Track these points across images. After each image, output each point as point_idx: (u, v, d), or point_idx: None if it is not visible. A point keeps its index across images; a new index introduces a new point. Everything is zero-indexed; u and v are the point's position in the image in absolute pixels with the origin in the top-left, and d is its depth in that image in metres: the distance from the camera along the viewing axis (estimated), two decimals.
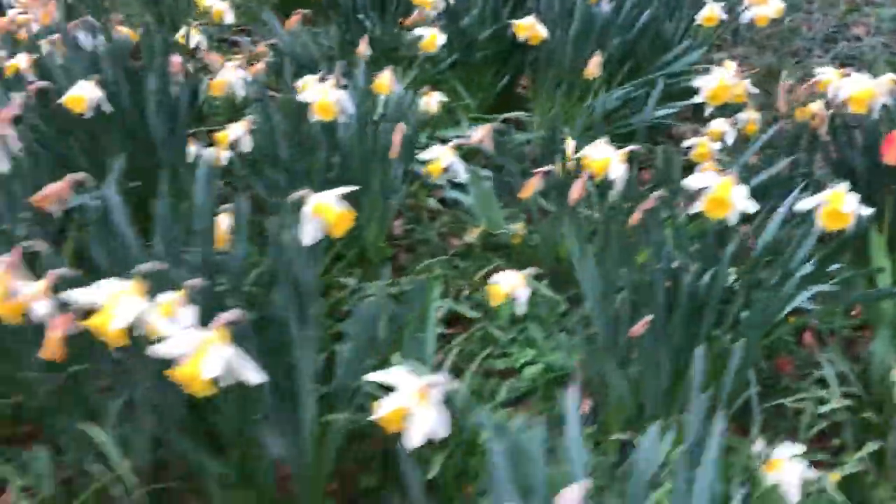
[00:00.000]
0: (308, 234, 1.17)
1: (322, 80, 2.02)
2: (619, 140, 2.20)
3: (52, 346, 1.00)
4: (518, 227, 2.06)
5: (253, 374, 0.96)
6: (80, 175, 1.22)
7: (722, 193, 1.25)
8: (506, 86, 2.81)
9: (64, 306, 1.04)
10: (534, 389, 1.62)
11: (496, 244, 2.07)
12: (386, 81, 1.88)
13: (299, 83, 2.10)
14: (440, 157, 1.64)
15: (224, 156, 2.15)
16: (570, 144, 2.12)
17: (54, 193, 1.20)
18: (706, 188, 1.27)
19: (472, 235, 2.07)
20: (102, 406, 1.36)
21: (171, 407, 1.16)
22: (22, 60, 1.90)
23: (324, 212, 1.16)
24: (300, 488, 1.25)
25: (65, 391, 1.32)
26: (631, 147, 1.54)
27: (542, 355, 1.67)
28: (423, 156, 1.68)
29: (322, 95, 1.55)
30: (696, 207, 1.29)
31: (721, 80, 2.16)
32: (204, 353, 0.91)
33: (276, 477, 1.28)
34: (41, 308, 1.05)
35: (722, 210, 1.26)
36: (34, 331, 1.29)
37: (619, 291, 1.44)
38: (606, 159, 1.48)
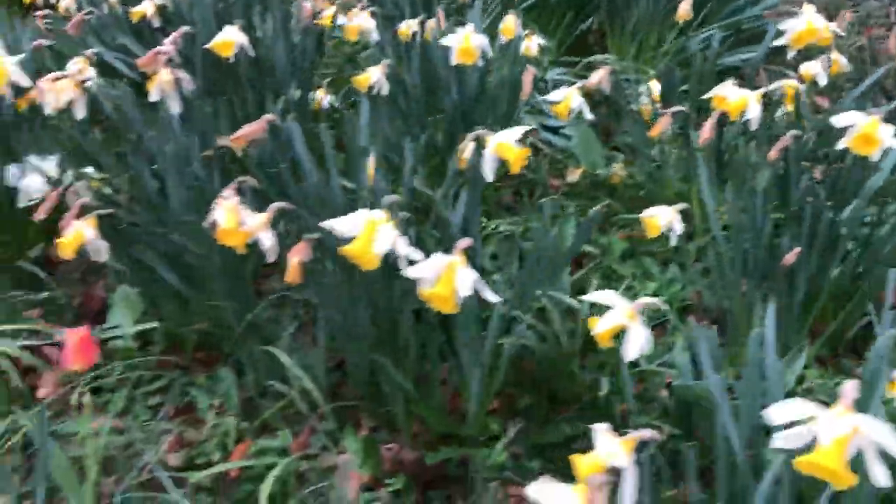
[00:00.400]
0: (489, 169, 1.26)
1: (422, 24, 2.09)
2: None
3: (293, 271, 1.09)
4: (617, 168, 2.15)
5: (491, 295, 1.06)
6: (273, 116, 1.30)
7: (870, 131, 1.33)
8: (581, 29, 2.87)
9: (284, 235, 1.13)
10: (661, 319, 1.71)
11: (596, 183, 2.15)
12: (511, 25, 1.94)
13: (401, 27, 2.18)
14: (570, 98, 1.71)
15: (325, 100, 2.24)
16: (653, 87, 2.20)
17: (252, 132, 1.28)
18: (852, 126, 1.35)
19: (573, 175, 2.16)
20: (275, 332, 1.48)
21: (363, 328, 1.26)
22: (148, 7, 1.96)
23: (505, 150, 1.25)
24: (471, 404, 1.35)
25: (245, 318, 1.42)
26: (767, 88, 1.62)
27: (663, 288, 1.77)
28: (550, 97, 1.75)
29: (464, 41, 1.62)
30: (842, 144, 1.37)
31: (809, 22, 2.20)
32: (453, 275, 1.01)
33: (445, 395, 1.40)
34: (267, 239, 1.14)
35: (870, 147, 1.34)
36: (222, 260, 1.40)
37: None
38: (744, 99, 1.55)
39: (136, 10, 1.97)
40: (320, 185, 1.34)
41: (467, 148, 1.70)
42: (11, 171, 1.66)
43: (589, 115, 1.75)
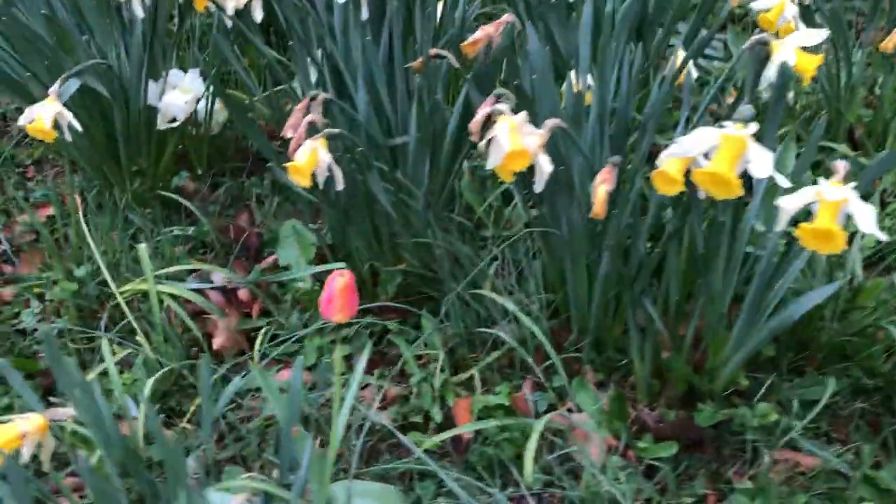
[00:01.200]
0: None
1: None
2: None
3: (601, 203, 0.90)
4: None
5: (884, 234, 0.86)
6: (510, 16, 1.09)
7: None
8: None
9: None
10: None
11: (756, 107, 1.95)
12: None
13: None
14: (782, 5, 1.49)
15: None
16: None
17: (486, 37, 1.08)
18: None
19: (732, 98, 1.95)
20: (481, 272, 1.30)
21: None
22: None
23: (800, 59, 1.05)
24: (734, 355, 1.17)
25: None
26: None
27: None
28: (757, 4, 1.54)
29: None
30: None
31: None
32: (837, 209, 0.81)
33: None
34: (546, 163, 0.94)
35: None
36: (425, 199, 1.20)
37: None
38: None
39: None
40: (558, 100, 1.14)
41: (679, 58, 1.51)
42: (151, 88, 1.45)
43: (802, 26, 1.54)
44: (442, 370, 1.24)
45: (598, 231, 1.13)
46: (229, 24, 1.20)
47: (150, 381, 1.11)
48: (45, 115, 1.17)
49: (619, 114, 1.16)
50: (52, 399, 1.20)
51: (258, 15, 1.21)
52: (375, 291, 1.34)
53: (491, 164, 0.95)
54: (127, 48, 1.42)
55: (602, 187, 0.90)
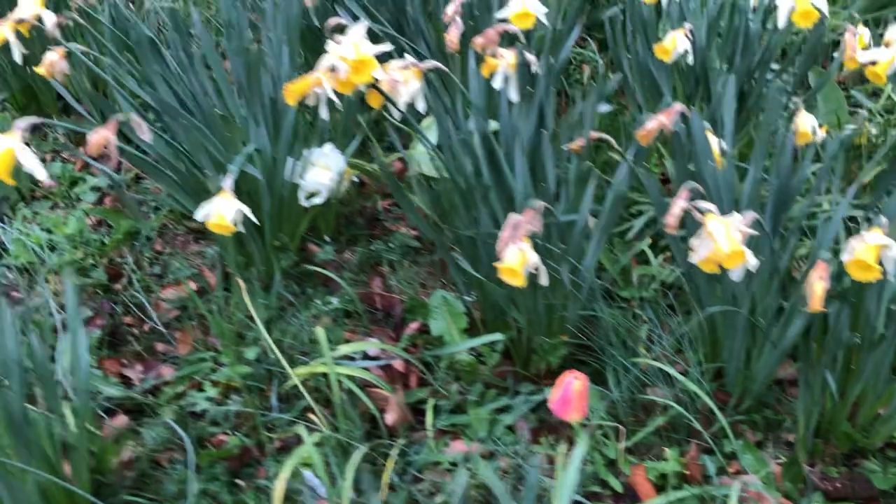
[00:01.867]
0: None
1: None
2: None
3: (818, 299, 0.95)
4: (869, 125, 2.00)
5: None
6: (680, 106, 1.14)
7: None
8: None
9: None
10: None
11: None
12: None
13: None
14: (894, 58, 1.55)
15: None
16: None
17: (659, 125, 1.12)
18: None
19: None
20: (635, 336, 1.35)
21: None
22: None
23: None
24: (890, 414, 1.23)
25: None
26: None
27: None
28: (868, 56, 1.59)
29: None
30: None
31: None
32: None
33: None
34: (751, 258, 0.99)
35: None
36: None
37: None
38: None
39: None
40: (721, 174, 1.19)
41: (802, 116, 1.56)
42: (289, 165, 1.50)
43: None
44: (608, 437, 1.29)
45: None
46: (398, 115, 1.24)
47: (352, 465, 1.15)
48: (226, 213, 1.21)
49: (780, 188, 1.21)
50: (238, 481, 1.26)
51: (422, 106, 1.25)
52: (530, 358, 1.39)
53: (697, 258, 1.00)
54: (268, 129, 1.47)
55: (819, 283, 0.95)
